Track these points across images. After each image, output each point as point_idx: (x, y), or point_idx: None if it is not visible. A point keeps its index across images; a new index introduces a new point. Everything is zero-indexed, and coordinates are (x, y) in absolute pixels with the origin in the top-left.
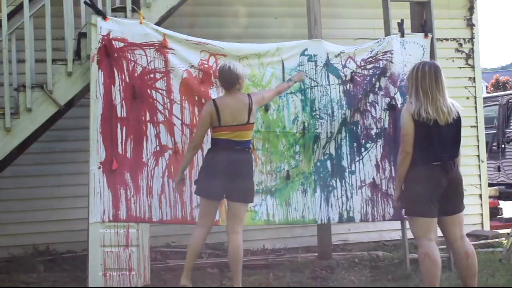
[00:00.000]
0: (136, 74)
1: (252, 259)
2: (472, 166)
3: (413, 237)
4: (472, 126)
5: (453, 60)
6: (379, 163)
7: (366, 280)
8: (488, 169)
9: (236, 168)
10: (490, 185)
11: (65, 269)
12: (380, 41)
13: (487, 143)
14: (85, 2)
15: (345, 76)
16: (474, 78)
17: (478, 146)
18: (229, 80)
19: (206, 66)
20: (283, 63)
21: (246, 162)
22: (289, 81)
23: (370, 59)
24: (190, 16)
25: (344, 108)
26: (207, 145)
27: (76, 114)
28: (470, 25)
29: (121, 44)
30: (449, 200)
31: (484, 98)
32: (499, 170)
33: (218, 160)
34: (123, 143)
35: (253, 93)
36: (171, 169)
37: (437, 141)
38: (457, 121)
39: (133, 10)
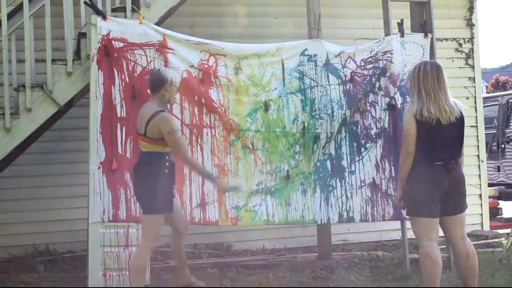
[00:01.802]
0: (136, 74)
1: (252, 259)
2: (472, 166)
3: (414, 237)
4: (472, 126)
5: (453, 60)
6: (379, 163)
7: (366, 280)
8: (488, 169)
9: None
10: (490, 185)
11: (65, 269)
12: (380, 41)
13: (487, 143)
14: (85, 2)
15: (345, 76)
16: (474, 78)
17: (478, 146)
18: (152, 84)
19: (206, 66)
20: (283, 63)
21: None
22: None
23: (370, 59)
24: (190, 16)
25: (344, 108)
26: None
27: (76, 114)
28: (470, 25)
29: (121, 44)
30: (450, 200)
31: (484, 98)
32: (499, 170)
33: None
34: (123, 143)
35: (163, 117)
36: None
37: (439, 141)
38: (460, 121)
39: (133, 10)
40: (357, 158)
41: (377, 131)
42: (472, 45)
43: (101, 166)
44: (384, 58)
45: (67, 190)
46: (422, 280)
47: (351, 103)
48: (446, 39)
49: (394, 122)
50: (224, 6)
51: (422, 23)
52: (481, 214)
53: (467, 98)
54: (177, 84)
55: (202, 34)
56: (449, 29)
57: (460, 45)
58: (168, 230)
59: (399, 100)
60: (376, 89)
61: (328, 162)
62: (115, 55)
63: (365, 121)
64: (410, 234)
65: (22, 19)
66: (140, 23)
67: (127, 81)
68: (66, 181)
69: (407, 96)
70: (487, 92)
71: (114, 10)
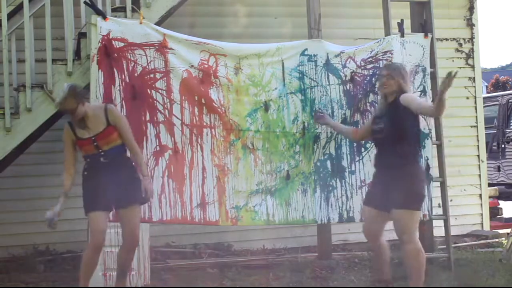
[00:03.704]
0: (136, 74)
1: (252, 259)
2: (472, 166)
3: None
4: (472, 126)
5: (453, 60)
6: None
7: (366, 280)
8: (488, 169)
9: None
10: (490, 185)
11: (65, 269)
12: (380, 41)
13: (487, 143)
14: (85, 2)
15: (345, 76)
16: (474, 78)
17: (478, 146)
18: None
19: (206, 66)
20: (283, 63)
21: None
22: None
23: (370, 59)
24: (190, 16)
25: (344, 108)
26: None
27: None
28: (470, 25)
29: (121, 44)
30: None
31: (484, 98)
32: (499, 170)
33: None
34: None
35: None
36: (171, 169)
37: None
38: None
39: (133, 10)
40: (357, 158)
41: None
42: (472, 45)
43: None
44: (384, 58)
45: None
46: (414, 276)
47: (351, 103)
48: (446, 39)
49: None
50: (224, 6)
51: (422, 23)
52: (481, 214)
53: (467, 98)
54: (62, 97)
55: (202, 34)
56: (449, 29)
57: (460, 45)
58: (169, 230)
59: None
60: (376, 89)
61: (328, 162)
62: (115, 55)
63: (365, 121)
64: None
65: (22, 19)
66: (140, 23)
67: (127, 81)
68: None
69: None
70: (487, 92)
71: (114, 10)
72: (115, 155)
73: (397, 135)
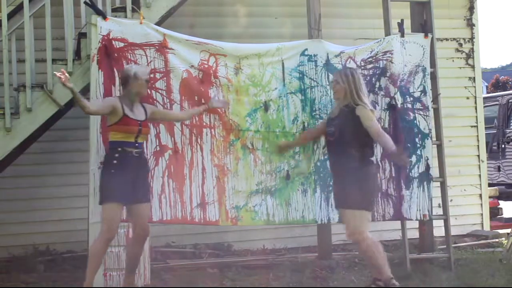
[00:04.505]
0: None
1: (252, 259)
2: (472, 166)
3: (414, 237)
4: (472, 126)
5: (453, 60)
6: (379, 163)
7: (366, 280)
8: (488, 169)
9: None
10: (490, 185)
11: (65, 269)
12: (380, 41)
13: (487, 143)
14: (85, 2)
15: None
16: (474, 78)
17: (478, 146)
18: (120, 81)
19: (206, 66)
20: (283, 63)
21: None
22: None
23: (370, 59)
24: (190, 16)
25: None
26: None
27: (76, 114)
28: (470, 25)
29: (121, 44)
30: None
31: (484, 98)
32: (499, 170)
33: None
34: None
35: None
36: (171, 169)
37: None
38: None
39: (133, 10)
40: None
41: None
42: (472, 45)
43: (101, 166)
44: (384, 58)
45: (67, 190)
46: (382, 266)
47: None
48: (446, 39)
49: (394, 122)
50: (224, 6)
51: (422, 23)
52: (481, 214)
53: (468, 98)
54: (143, 77)
55: (202, 34)
56: (449, 29)
57: (461, 45)
58: (169, 230)
59: (399, 100)
60: (376, 89)
61: (328, 162)
62: (115, 55)
63: None
64: (410, 234)
65: (22, 19)
66: (141, 23)
67: None
68: (67, 181)
69: (407, 96)
70: (488, 92)
71: (114, 10)
72: (142, 151)
73: (346, 139)
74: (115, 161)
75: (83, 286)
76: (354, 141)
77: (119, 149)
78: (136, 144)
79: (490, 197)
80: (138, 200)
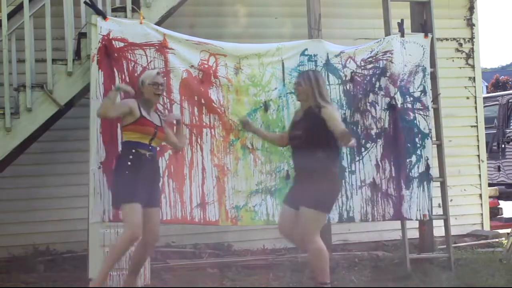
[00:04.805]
0: (136, 74)
1: (252, 259)
2: (472, 166)
3: (414, 237)
4: (472, 126)
5: (453, 60)
6: (379, 163)
7: (366, 280)
8: (488, 169)
9: None
10: (490, 185)
11: (65, 269)
12: (380, 41)
13: (487, 143)
14: (85, 2)
15: (345, 76)
16: (474, 78)
17: (478, 146)
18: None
19: (206, 66)
20: (283, 63)
21: None
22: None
23: (370, 59)
24: (190, 16)
25: (344, 108)
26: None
27: (76, 114)
28: (470, 25)
29: (121, 44)
30: None
31: (484, 98)
32: (499, 170)
33: None
34: None
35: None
36: (171, 169)
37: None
38: None
39: (133, 10)
40: (357, 158)
41: (377, 131)
42: (472, 45)
43: (101, 166)
44: (385, 58)
45: (67, 190)
46: (321, 274)
47: (351, 103)
48: (446, 39)
49: (394, 122)
50: (224, 6)
51: (422, 23)
52: (481, 214)
53: (468, 98)
54: (149, 81)
55: (202, 34)
56: (449, 29)
57: (461, 45)
58: (169, 230)
59: (399, 100)
60: (376, 89)
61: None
62: (115, 55)
63: (365, 121)
64: (410, 234)
65: (22, 19)
66: (141, 23)
67: (127, 81)
68: (67, 181)
69: (407, 96)
70: (488, 92)
71: (114, 10)
72: (155, 155)
73: (313, 141)
74: (129, 163)
75: (92, 283)
76: (321, 143)
77: (133, 150)
78: (150, 147)
79: (490, 197)
80: (150, 204)
